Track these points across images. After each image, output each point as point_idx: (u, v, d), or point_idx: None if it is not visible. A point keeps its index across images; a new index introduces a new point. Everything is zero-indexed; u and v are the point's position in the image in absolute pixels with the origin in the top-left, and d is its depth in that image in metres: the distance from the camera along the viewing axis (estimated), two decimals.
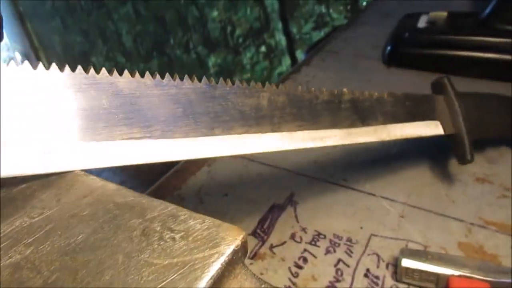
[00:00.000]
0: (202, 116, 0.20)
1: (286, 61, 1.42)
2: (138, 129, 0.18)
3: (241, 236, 0.14)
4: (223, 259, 0.14)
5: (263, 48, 1.45)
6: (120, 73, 0.19)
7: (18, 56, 2.49)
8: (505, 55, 0.52)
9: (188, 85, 0.21)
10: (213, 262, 0.13)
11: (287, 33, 1.38)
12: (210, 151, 0.20)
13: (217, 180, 0.40)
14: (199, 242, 0.14)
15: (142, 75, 0.20)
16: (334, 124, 0.27)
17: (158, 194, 0.39)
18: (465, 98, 0.36)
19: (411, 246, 0.32)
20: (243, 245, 0.14)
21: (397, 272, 0.29)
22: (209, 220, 0.15)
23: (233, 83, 0.22)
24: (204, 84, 0.21)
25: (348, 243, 0.32)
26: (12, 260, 0.13)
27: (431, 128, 0.33)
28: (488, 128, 0.37)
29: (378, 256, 0.31)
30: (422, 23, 0.60)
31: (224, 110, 0.21)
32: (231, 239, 0.14)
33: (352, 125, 0.27)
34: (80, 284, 0.13)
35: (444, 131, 0.34)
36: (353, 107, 0.28)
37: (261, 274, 0.30)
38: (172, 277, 0.13)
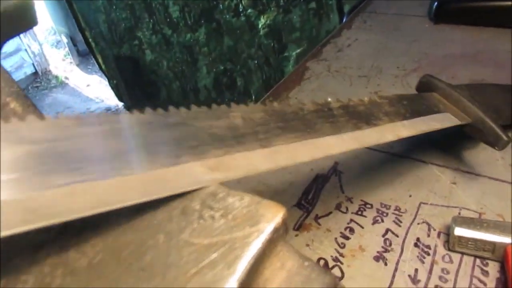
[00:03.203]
0: (159, 146, 0.17)
1: (335, 18, 1.38)
2: (68, 174, 0.14)
3: (282, 213, 0.14)
4: (263, 237, 0.13)
5: (313, 4, 1.40)
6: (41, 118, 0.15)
7: (64, 39, 2.58)
8: None
9: (126, 118, 0.17)
10: (253, 240, 0.13)
11: None
12: (188, 180, 0.16)
13: None
14: (238, 220, 0.14)
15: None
16: (336, 129, 0.24)
17: None
18: (461, 89, 0.34)
19: (465, 213, 0.30)
20: (284, 222, 0.14)
21: (450, 241, 0.27)
22: (248, 197, 0.15)
23: (188, 108, 0.19)
24: (149, 115, 0.17)
25: (397, 212, 0.31)
26: (58, 242, 0.14)
27: (444, 120, 0.32)
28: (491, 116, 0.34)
29: (428, 225, 0.30)
30: None
31: (187, 136, 0.18)
32: (271, 216, 0.14)
33: (356, 127, 0.25)
34: (123, 265, 0.13)
35: (460, 121, 0.32)
36: (347, 112, 0.25)
37: (307, 245, 0.30)
38: (212, 256, 0.13)
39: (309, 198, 0.34)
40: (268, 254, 0.13)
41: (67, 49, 2.62)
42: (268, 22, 1.50)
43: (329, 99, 0.25)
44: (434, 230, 0.29)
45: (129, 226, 0.14)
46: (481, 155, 0.35)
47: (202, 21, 1.74)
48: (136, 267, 0.13)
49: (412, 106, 0.31)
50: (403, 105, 0.30)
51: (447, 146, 0.36)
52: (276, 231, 0.14)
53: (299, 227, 0.31)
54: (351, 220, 0.31)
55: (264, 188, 0.36)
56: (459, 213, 0.30)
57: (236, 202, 0.15)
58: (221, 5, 1.62)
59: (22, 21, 0.25)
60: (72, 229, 0.15)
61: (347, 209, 0.32)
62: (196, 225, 0.14)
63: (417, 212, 0.31)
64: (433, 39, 0.52)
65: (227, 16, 1.60)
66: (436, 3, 0.55)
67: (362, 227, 0.31)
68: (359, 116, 0.26)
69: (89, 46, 2.12)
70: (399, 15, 0.60)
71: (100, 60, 2.60)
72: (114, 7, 2.16)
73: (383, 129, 0.26)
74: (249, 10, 1.51)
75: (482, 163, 0.34)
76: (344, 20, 0.74)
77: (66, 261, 0.13)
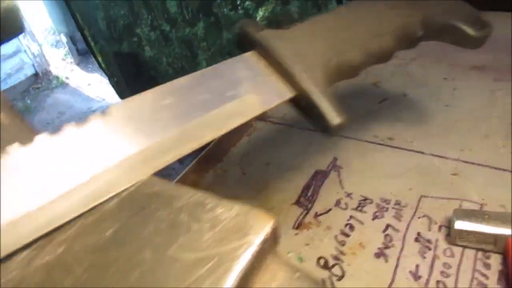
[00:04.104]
0: None
1: (333, 6, 1.36)
2: None
3: (271, 223, 0.14)
4: (252, 249, 0.13)
5: None
6: None
7: (63, 38, 2.57)
8: None
9: None
10: (242, 253, 0.13)
11: None
12: None
13: (258, 150, 0.39)
14: (227, 232, 0.14)
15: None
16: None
17: (201, 169, 0.39)
18: (298, 31, 0.26)
19: (466, 205, 0.30)
20: (273, 232, 0.14)
21: (451, 235, 0.27)
22: (237, 207, 0.15)
23: None
24: None
25: (397, 206, 0.31)
26: (44, 261, 0.14)
27: (245, 107, 0.21)
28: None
29: (429, 218, 0.29)
30: None
31: None
32: (260, 227, 0.14)
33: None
34: (110, 283, 0.13)
35: (279, 98, 0.23)
36: None
37: (307, 244, 0.29)
38: (200, 272, 0.13)
39: (308, 195, 0.34)
40: (258, 267, 0.13)
41: (67, 48, 2.61)
42: (266, 14, 1.49)
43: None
44: (435, 223, 0.29)
45: (116, 241, 0.14)
46: (482, 144, 0.34)
47: (200, 16, 1.73)
48: (123, 286, 0.13)
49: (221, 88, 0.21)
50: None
51: (447, 134, 0.36)
52: (265, 242, 0.13)
53: (299, 225, 0.31)
54: (351, 217, 0.31)
55: (264, 186, 0.35)
56: (461, 205, 0.30)
57: (225, 213, 0.14)
58: None
59: (7, 28, 0.24)
60: (58, 245, 0.14)
61: (346, 205, 0.32)
62: (184, 238, 0.14)
63: (417, 205, 0.31)
64: None
65: (225, 10, 1.59)
66: None
67: (362, 223, 0.30)
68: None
69: (88, 45, 2.12)
70: None
71: (99, 59, 2.60)
72: (112, 4, 2.16)
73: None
74: (247, 3, 1.49)
75: (484, 152, 0.33)
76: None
77: (53, 281, 0.13)
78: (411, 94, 0.41)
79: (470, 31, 0.27)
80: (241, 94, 0.21)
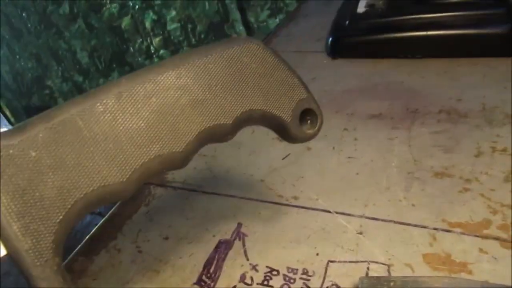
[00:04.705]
0: None
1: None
2: None
3: None
4: None
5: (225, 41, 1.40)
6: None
7: None
8: (447, 31, 0.49)
9: None
10: None
11: (246, 23, 1.35)
12: None
13: (156, 221, 0.36)
14: None
15: None
16: None
17: (91, 249, 0.34)
18: None
19: (373, 267, 0.28)
20: None
21: None
22: None
23: None
24: None
25: (304, 276, 0.29)
26: None
27: None
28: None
29: (337, 287, 0.27)
30: (361, 7, 0.57)
31: None
32: None
33: None
34: None
35: None
36: None
37: None
38: None
39: (210, 271, 0.30)
40: None
41: None
42: None
43: None
44: None
45: None
46: (384, 197, 0.33)
47: (114, 65, 1.68)
48: None
49: None
50: None
51: (351, 189, 0.35)
52: None
53: None
54: None
55: (162, 264, 0.32)
56: (368, 269, 0.28)
57: None
58: (131, 48, 1.57)
59: None
60: None
61: (252, 280, 0.29)
62: None
63: (325, 273, 0.29)
64: (332, 75, 0.52)
65: (139, 59, 1.56)
66: (330, 39, 0.56)
67: None
68: None
69: None
70: (298, 52, 0.60)
71: (7, 113, 2.41)
72: (17, 56, 2.03)
73: None
74: (162, 51, 1.48)
75: (386, 206, 0.33)
76: None
77: None
78: (314, 148, 0.40)
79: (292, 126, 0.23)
80: None
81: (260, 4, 1.30)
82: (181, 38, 1.49)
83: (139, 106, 0.16)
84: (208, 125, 0.18)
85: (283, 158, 0.39)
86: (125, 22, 1.58)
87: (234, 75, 0.19)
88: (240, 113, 0.19)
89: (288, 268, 0.29)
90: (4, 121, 2.30)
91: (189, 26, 1.45)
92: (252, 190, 0.36)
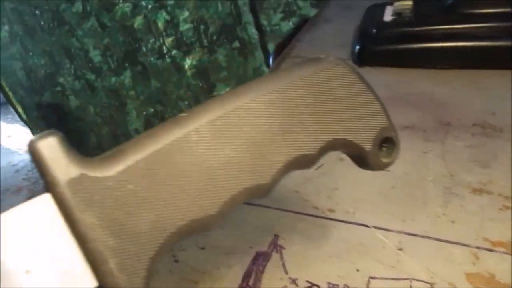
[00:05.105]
0: None
1: (259, 55, 1.38)
2: None
3: None
4: None
5: (236, 43, 1.40)
6: None
7: None
8: (476, 42, 0.49)
9: None
10: None
11: (258, 26, 1.35)
12: None
13: None
14: None
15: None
16: None
17: None
18: None
19: (416, 285, 0.28)
20: None
21: None
22: None
23: None
24: None
25: None
26: None
27: None
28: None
29: None
30: (387, 15, 0.57)
31: None
32: None
33: None
34: None
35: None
36: None
37: None
38: None
39: (250, 284, 0.30)
40: None
41: None
42: (194, 62, 1.49)
43: None
44: None
45: None
46: (423, 212, 0.33)
47: (126, 64, 1.69)
48: None
49: None
50: None
51: (387, 203, 0.34)
52: None
53: None
54: None
55: (199, 276, 0.32)
56: (410, 287, 0.28)
57: None
58: (144, 48, 1.58)
59: None
60: None
61: None
62: None
63: None
64: None
65: (152, 59, 1.57)
66: (357, 47, 0.55)
67: None
68: None
69: (6, 96, 1.98)
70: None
71: (20, 110, 2.43)
72: (30, 53, 2.05)
73: None
74: (174, 51, 1.48)
75: (425, 222, 0.32)
76: (270, 59, 0.73)
77: None
78: (346, 159, 0.40)
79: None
80: None
81: (273, 6, 1.29)
82: (193, 39, 1.49)
83: (233, 135, 0.16)
84: (295, 155, 0.18)
85: (316, 168, 0.39)
86: (138, 21, 1.58)
87: (322, 101, 0.19)
88: (325, 142, 0.19)
89: (328, 283, 0.29)
90: (16, 117, 2.32)
91: (202, 27, 1.45)
92: (287, 201, 0.36)
